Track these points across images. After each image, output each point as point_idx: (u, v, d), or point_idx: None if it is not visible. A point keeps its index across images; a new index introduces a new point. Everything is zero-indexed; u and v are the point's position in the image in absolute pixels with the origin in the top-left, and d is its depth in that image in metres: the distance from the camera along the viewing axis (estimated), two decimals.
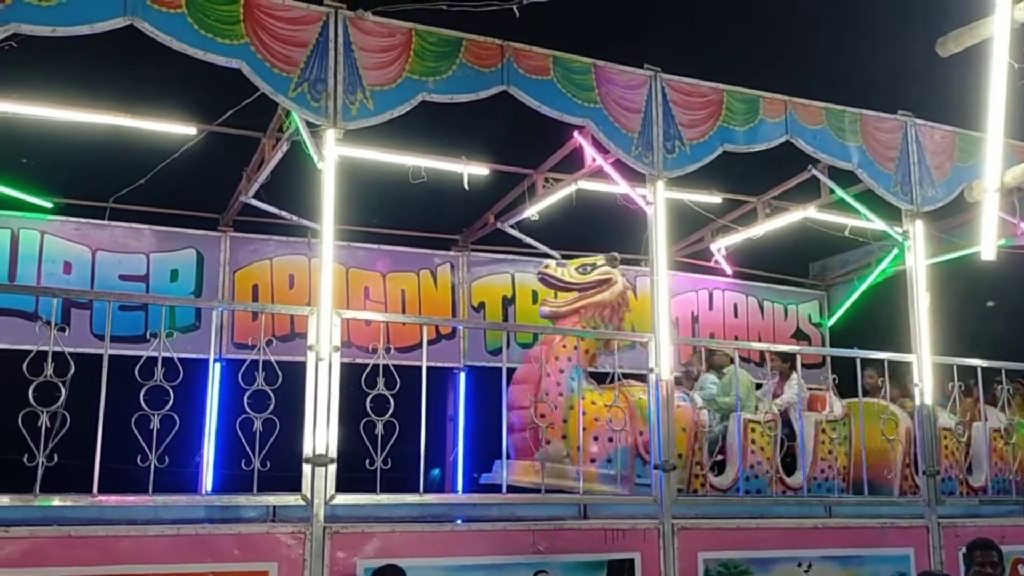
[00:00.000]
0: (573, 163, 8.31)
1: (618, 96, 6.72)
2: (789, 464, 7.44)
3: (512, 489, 6.43)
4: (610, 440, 6.78)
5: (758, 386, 8.22)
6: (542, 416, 6.67)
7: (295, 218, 8.45)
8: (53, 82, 7.29)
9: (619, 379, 6.61)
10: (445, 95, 6.20)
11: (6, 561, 4.75)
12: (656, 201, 6.81)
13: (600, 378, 7.18)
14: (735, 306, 11.11)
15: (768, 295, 11.31)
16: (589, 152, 7.69)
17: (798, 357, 7.76)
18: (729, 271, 10.52)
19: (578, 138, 7.70)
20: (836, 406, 7.87)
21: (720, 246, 10.28)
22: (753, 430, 7.29)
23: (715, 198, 9.75)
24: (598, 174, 7.98)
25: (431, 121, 6.82)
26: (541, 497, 6.34)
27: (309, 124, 6.00)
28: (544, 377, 6.92)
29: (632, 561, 6.16)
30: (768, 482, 7.29)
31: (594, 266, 7.53)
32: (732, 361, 7.67)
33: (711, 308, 10.97)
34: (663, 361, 6.57)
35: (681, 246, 10.44)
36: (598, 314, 7.36)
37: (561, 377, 7.07)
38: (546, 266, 7.64)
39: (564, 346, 7.15)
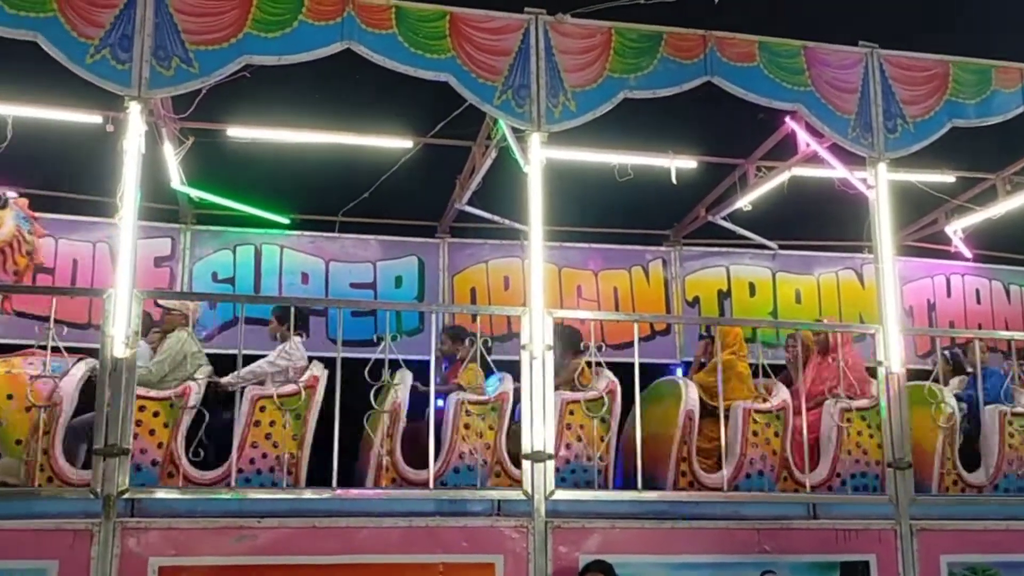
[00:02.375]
0: (786, 150, 8.00)
1: (831, 77, 6.48)
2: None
3: None
4: None
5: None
6: None
7: (507, 222, 8.66)
8: (284, 108, 7.90)
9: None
10: (647, 90, 6.19)
11: (259, 549, 5.20)
12: (878, 184, 6.49)
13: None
14: (977, 291, 10.30)
15: (1016, 278, 10.39)
16: (803, 137, 7.40)
17: None
18: (969, 254, 9.72)
19: (790, 123, 7.42)
20: None
21: (956, 228, 9.52)
22: (141, 409, 5.58)
23: (947, 177, 9.07)
24: (813, 159, 7.66)
25: (635, 117, 6.79)
26: (767, 496, 6.19)
27: (515, 130, 6.17)
28: None
29: (867, 563, 5.92)
30: None
31: None
32: (187, 326, 6.18)
33: (949, 295, 10.22)
34: (893, 353, 6.21)
35: (911, 230, 9.79)
36: None
37: None
38: None
39: None
